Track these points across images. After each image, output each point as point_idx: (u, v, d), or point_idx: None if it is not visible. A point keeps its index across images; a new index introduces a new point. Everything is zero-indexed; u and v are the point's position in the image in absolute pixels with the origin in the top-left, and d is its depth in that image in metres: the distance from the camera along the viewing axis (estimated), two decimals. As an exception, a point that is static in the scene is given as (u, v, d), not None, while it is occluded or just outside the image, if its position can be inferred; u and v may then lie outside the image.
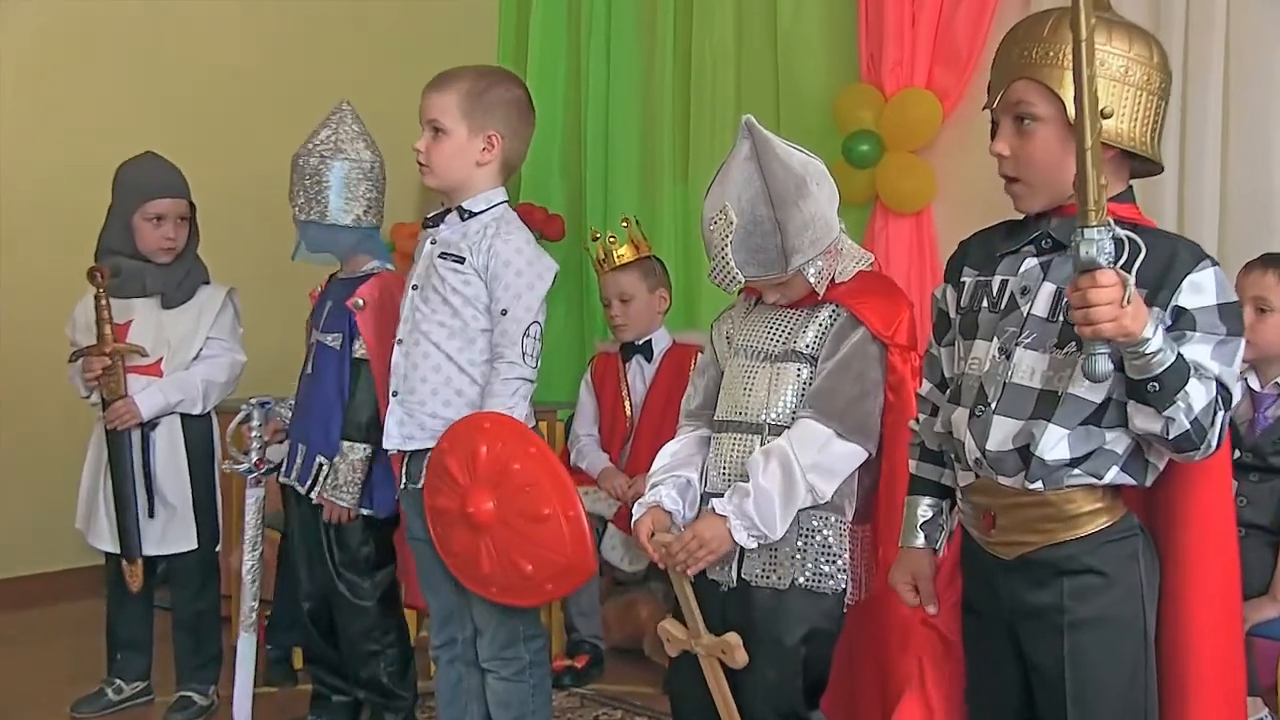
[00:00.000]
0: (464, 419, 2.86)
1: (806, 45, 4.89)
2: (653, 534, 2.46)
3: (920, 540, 2.26)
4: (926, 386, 2.27)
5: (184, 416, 3.71)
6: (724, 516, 2.40)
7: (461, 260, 2.90)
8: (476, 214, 2.94)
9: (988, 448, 2.03)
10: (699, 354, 2.78)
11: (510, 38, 5.98)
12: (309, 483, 3.30)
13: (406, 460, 3.00)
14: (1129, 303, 1.81)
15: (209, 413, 3.78)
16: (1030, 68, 2.01)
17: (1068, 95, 1.95)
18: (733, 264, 2.39)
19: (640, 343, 4.20)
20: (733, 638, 2.42)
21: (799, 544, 2.44)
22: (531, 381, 2.90)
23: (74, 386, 3.72)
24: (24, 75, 4.90)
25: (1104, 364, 1.84)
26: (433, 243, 2.97)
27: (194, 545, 3.71)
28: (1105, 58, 1.98)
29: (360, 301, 3.28)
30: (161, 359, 3.69)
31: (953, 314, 2.18)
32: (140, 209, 3.66)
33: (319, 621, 3.46)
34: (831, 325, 2.45)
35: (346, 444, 3.24)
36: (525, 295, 2.88)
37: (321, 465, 3.30)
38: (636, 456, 4.13)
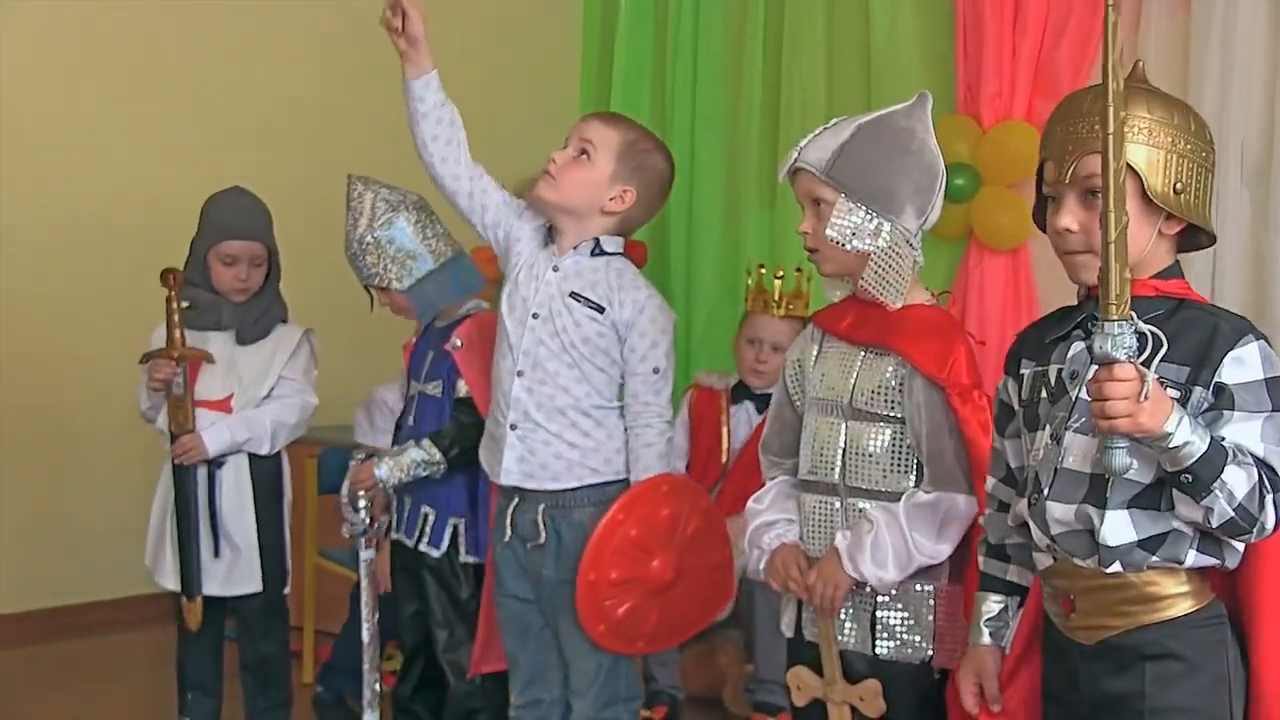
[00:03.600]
0: (641, 485, 2.82)
1: (901, 74, 4.74)
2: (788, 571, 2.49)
3: (985, 638, 2.19)
4: (991, 482, 2.21)
5: (252, 456, 3.63)
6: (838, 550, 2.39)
7: (601, 310, 2.81)
8: (609, 255, 2.86)
9: (1052, 533, 1.99)
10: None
11: (594, 60, 5.89)
12: (416, 534, 3.27)
13: (513, 510, 2.90)
14: (1146, 398, 1.78)
15: (278, 453, 3.69)
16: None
17: (1144, 169, 1.94)
18: (802, 141, 2.42)
19: (758, 392, 4.04)
20: (873, 684, 2.39)
21: (889, 612, 2.42)
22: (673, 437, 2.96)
23: (138, 400, 3.65)
24: (112, 92, 4.88)
25: (1121, 458, 1.82)
26: (555, 270, 2.85)
27: (259, 587, 3.63)
28: (1180, 138, 1.97)
29: (458, 341, 3.22)
30: (232, 395, 3.61)
31: (1016, 406, 2.13)
32: (214, 248, 3.59)
33: (409, 676, 3.40)
34: (902, 381, 2.39)
35: (430, 444, 3.18)
36: (670, 353, 2.86)
37: (427, 515, 3.26)
38: (724, 501, 4.00)
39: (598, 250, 2.84)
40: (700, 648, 4.19)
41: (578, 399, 2.82)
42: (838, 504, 2.43)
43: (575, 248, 2.84)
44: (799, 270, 4.08)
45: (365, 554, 3.31)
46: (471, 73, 5.57)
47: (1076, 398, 1.98)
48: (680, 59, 5.50)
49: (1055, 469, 1.98)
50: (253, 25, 5.18)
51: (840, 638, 2.43)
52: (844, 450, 2.42)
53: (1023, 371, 2.11)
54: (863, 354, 2.43)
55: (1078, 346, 2.01)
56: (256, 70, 5.18)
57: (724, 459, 4.08)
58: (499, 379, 2.91)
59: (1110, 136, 1.78)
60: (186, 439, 3.54)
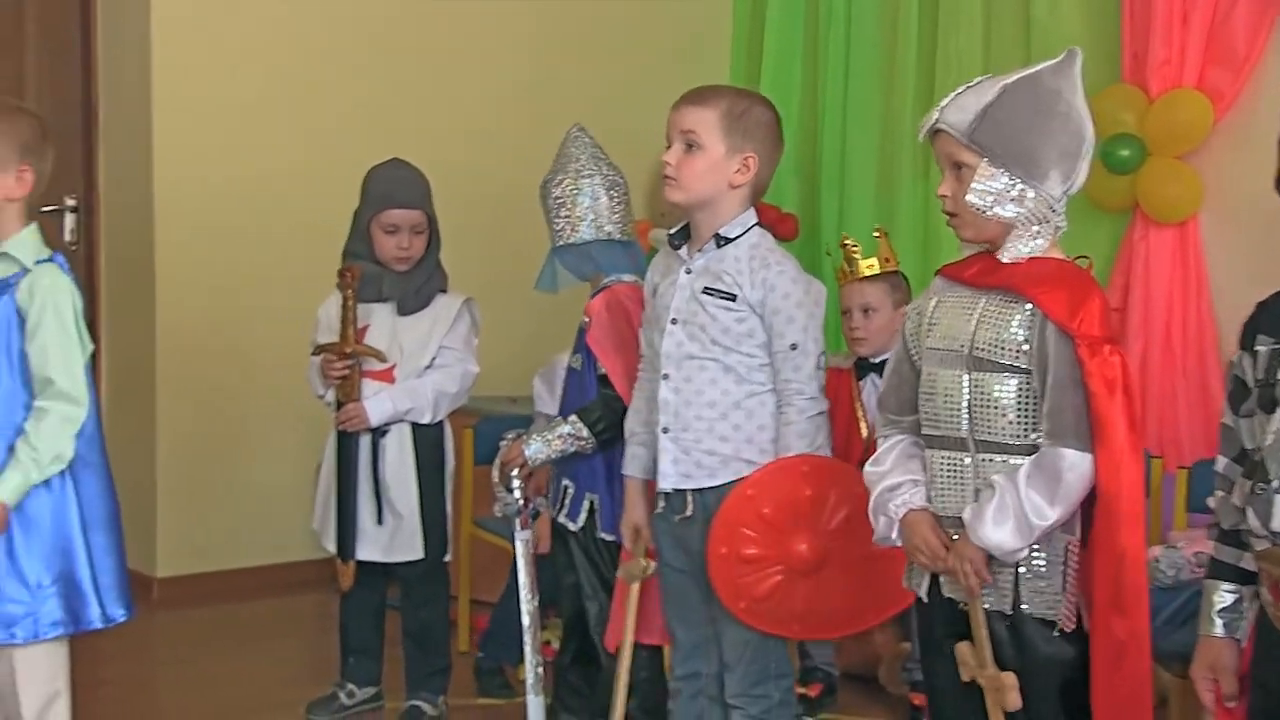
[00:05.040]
0: (776, 463, 2.78)
1: (1063, 42, 4.54)
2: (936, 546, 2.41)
3: (1219, 629, 2.09)
4: (1222, 462, 2.10)
5: (414, 425, 3.69)
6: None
7: (732, 298, 2.80)
8: (733, 239, 2.83)
9: (1271, 527, 1.89)
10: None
11: (744, 36, 5.84)
12: (558, 506, 3.29)
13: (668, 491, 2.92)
14: None
15: (440, 422, 3.75)
16: None
17: None
18: (943, 101, 2.36)
19: (876, 360, 4.01)
20: (1007, 678, 2.32)
21: (1029, 568, 2.34)
22: (825, 413, 2.84)
23: (310, 382, 3.75)
24: (274, 71, 4.98)
25: None
26: (688, 272, 2.86)
27: (420, 555, 3.69)
28: None
29: (586, 319, 3.25)
30: (394, 365, 3.67)
31: (1250, 384, 2.01)
32: (376, 218, 3.66)
33: (568, 645, 3.42)
34: (1030, 330, 2.30)
35: (577, 421, 3.19)
36: (810, 326, 2.80)
37: (567, 488, 3.28)
38: (873, 475, 3.98)
39: (723, 241, 2.83)
40: (855, 624, 4.16)
41: (726, 390, 2.82)
42: (967, 460, 2.36)
43: (700, 249, 2.85)
44: (878, 233, 4.03)
45: (521, 534, 3.31)
46: (619, 51, 5.59)
47: None
48: (833, 31, 5.44)
49: None
50: (413, 2, 5.23)
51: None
52: (969, 403, 2.35)
53: (1258, 348, 2.00)
54: (984, 300, 2.36)
55: None
56: (415, 42, 5.22)
57: (864, 434, 4.04)
58: (651, 389, 2.93)
59: None
60: (351, 407, 3.62)
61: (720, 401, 2.82)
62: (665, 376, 2.86)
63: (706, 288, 2.82)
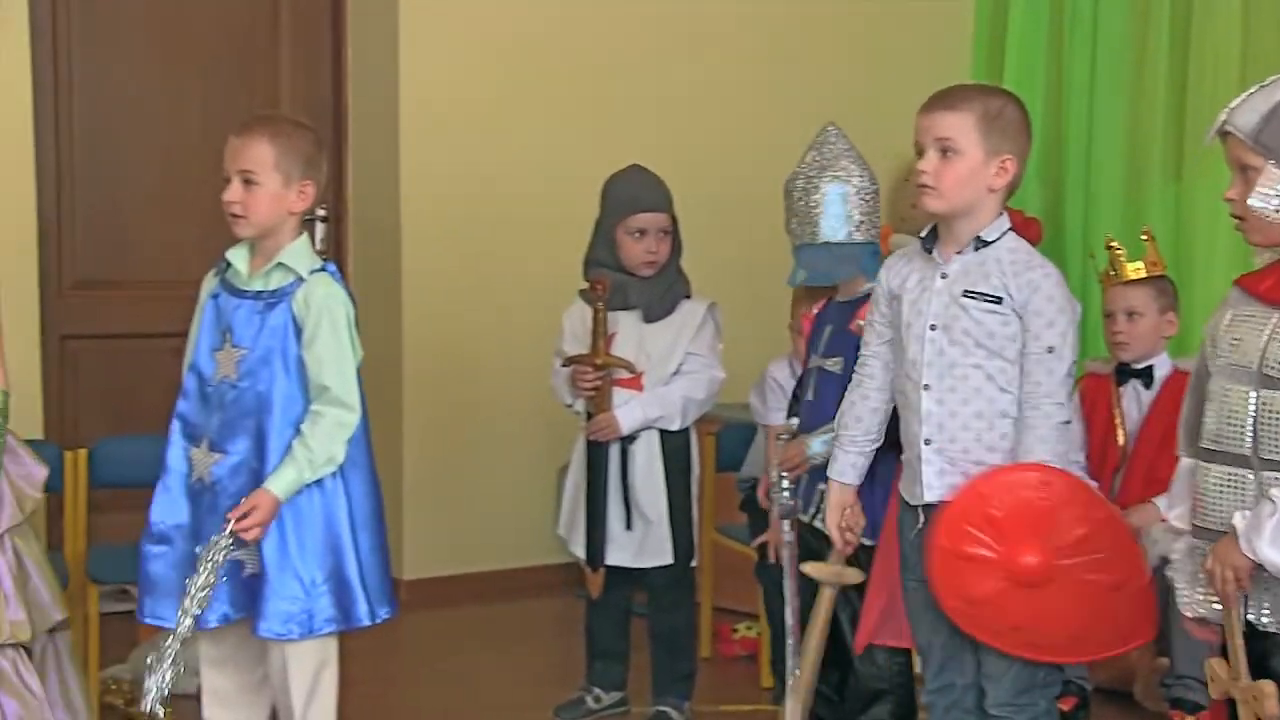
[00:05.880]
0: (1011, 467, 2.72)
1: (1330, 39, 4.41)
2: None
3: None
4: None
5: (662, 432, 3.71)
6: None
7: (998, 300, 2.73)
8: (991, 243, 2.77)
9: None
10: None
11: (986, 30, 5.71)
12: (813, 510, 3.26)
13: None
14: None
15: (687, 428, 3.76)
16: None
17: None
18: (1233, 102, 2.32)
19: (1139, 366, 3.89)
20: (1266, 686, 2.26)
21: None
22: (1070, 423, 2.77)
23: (556, 391, 3.80)
24: (517, 81, 5.07)
25: None
26: (943, 277, 2.80)
27: (669, 560, 3.71)
28: None
29: (862, 323, 3.20)
30: (642, 373, 3.70)
31: None
32: (623, 222, 3.70)
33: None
34: None
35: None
36: (1069, 333, 2.72)
37: (823, 492, 3.22)
38: (1128, 488, 3.87)
39: (981, 244, 2.76)
40: (1109, 640, 4.03)
41: (992, 399, 2.74)
42: (1249, 476, 2.30)
43: (959, 251, 2.77)
44: (1146, 235, 3.96)
45: (789, 535, 3.31)
46: (855, 53, 5.53)
47: None
48: (1078, 30, 5.29)
49: None
50: (651, 7, 5.27)
51: (1255, 616, 2.28)
52: (1254, 419, 2.28)
53: None
54: (1278, 316, 2.31)
55: None
56: (655, 52, 5.26)
57: (1120, 442, 3.92)
58: (905, 399, 2.86)
59: None
60: (602, 417, 3.67)
61: (987, 411, 2.75)
62: (927, 387, 2.79)
63: (967, 290, 2.75)
